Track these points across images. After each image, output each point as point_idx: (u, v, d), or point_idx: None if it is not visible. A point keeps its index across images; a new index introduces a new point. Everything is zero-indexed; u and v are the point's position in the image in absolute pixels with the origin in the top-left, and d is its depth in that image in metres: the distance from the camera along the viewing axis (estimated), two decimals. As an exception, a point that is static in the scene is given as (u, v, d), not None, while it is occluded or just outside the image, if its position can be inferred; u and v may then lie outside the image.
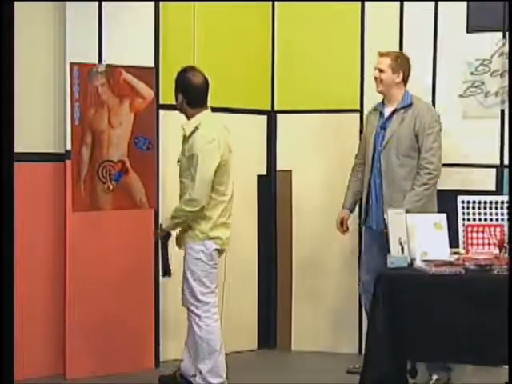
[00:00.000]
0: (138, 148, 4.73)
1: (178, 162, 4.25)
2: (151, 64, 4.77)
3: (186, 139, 4.20)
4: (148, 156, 4.77)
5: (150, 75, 4.75)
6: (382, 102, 4.55)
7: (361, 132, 5.12)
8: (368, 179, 4.51)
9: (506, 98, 4.83)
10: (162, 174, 4.88)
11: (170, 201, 4.91)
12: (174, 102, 4.23)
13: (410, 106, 4.42)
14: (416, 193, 4.31)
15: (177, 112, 4.88)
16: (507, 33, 4.78)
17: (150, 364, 4.82)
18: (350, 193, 4.69)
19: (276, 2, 5.24)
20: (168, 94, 4.84)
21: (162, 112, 4.85)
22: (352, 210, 4.72)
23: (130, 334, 4.77)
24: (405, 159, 4.38)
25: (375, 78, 4.50)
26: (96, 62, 4.59)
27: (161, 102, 4.84)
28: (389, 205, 4.22)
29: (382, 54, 4.51)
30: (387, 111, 4.50)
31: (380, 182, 4.45)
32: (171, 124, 4.89)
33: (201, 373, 4.16)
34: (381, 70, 4.47)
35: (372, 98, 5.09)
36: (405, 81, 4.48)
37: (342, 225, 4.67)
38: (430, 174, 4.34)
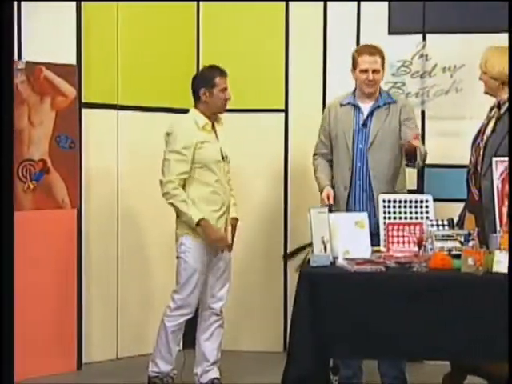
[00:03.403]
0: (59, 147, 4.67)
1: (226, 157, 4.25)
2: (73, 62, 4.69)
3: None
4: (70, 155, 4.71)
5: (72, 73, 4.68)
6: (353, 95, 4.26)
7: (286, 131, 5.18)
8: (348, 181, 4.21)
9: (426, 99, 4.95)
10: (85, 173, 4.82)
11: (93, 200, 4.86)
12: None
13: (394, 102, 4.22)
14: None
15: (100, 110, 4.86)
16: (427, 35, 4.92)
17: (72, 366, 4.75)
18: (325, 175, 4.31)
19: (201, 2, 5.23)
20: (91, 93, 4.80)
21: (84, 111, 4.79)
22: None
23: (51, 336, 4.69)
24: (392, 158, 4.19)
25: (369, 81, 4.17)
26: (15, 59, 4.49)
27: (83, 100, 4.78)
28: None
29: (371, 53, 4.19)
30: (365, 107, 4.23)
31: (362, 184, 4.20)
32: (94, 123, 4.84)
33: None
34: (376, 71, 4.18)
35: (297, 97, 5.17)
36: None
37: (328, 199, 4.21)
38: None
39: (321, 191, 4.32)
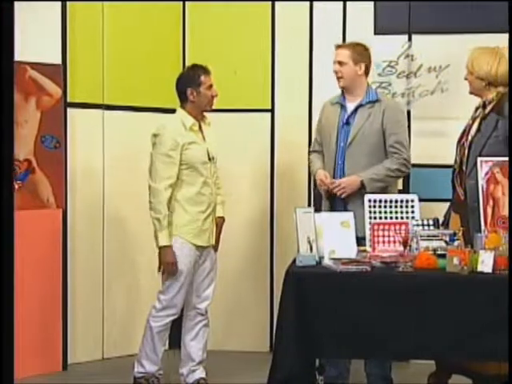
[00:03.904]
0: (45, 147, 4.65)
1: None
2: (59, 61, 4.68)
3: None
4: (56, 155, 4.69)
5: (58, 73, 4.67)
6: (342, 94, 4.27)
7: (273, 131, 5.18)
8: (331, 179, 4.21)
9: (412, 99, 4.96)
10: (71, 173, 4.80)
11: (79, 200, 4.85)
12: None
13: (376, 101, 4.20)
14: (378, 171, 4.13)
15: (85, 110, 4.85)
16: (413, 35, 4.93)
17: (58, 367, 4.73)
18: (320, 163, 4.32)
19: (187, 2, 5.22)
20: (76, 92, 4.79)
21: (70, 110, 4.78)
22: None
23: (36, 336, 4.66)
24: (371, 158, 4.16)
25: (335, 73, 4.21)
26: None
27: (69, 100, 4.76)
28: (352, 207, 4.02)
29: (340, 46, 4.25)
30: (350, 106, 4.23)
31: None
32: (80, 122, 4.83)
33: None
34: (341, 63, 4.19)
35: (283, 97, 5.17)
36: (367, 73, 4.25)
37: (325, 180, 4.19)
38: (405, 161, 4.17)
39: (314, 176, 4.33)
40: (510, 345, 3.17)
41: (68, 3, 4.72)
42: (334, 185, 4.17)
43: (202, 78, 4.19)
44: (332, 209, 4.21)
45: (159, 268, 4.16)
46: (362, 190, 4.12)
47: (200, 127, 4.24)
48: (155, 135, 4.15)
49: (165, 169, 4.10)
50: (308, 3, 5.09)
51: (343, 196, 4.17)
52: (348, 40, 4.89)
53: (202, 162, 4.17)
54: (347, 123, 4.23)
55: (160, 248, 4.13)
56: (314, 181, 4.34)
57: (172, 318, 4.24)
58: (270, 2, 5.14)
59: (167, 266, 4.13)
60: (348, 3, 5.03)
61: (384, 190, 4.15)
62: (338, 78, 4.24)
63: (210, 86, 4.21)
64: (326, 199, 4.27)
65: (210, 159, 4.21)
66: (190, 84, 4.18)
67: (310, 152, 4.51)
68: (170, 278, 4.15)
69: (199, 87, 4.18)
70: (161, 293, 4.21)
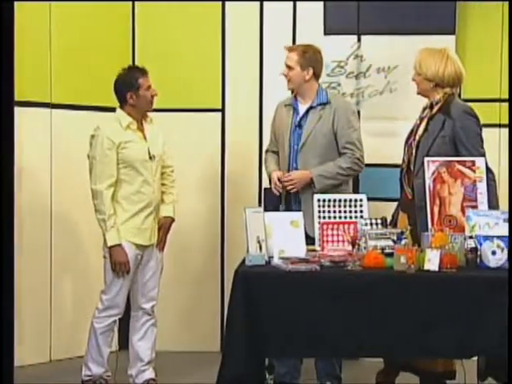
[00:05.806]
0: (-10, 146, 4.57)
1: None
2: (5, 59, 4.61)
3: None
4: (2, 154, 4.62)
5: (4, 71, 4.59)
6: (295, 96, 4.30)
7: (223, 131, 5.18)
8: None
9: (361, 99, 5.01)
10: (18, 172, 4.70)
11: (26, 201, 4.78)
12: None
13: (327, 103, 4.22)
14: (329, 168, 4.17)
15: (33, 109, 4.78)
16: (362, 36, 4.98)
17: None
18: (274, 162, 4.36)
19: (136, 2, 5.19)
20: (23, 91, 4.71)
21: (17, 109, 4.66)
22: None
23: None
24: (324, 160, 4.19)
25: (284, 76, 4.26)
26: None
27: (15, 98, 4.67)
28: (306, 210, 3.98)
29: (289, 49, 4.26)
30: (302, 108, 4.26)
31: None
32: (27, 121, 4.76)
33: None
34: (289, 67, 4.22)
35: (233, 97, 5.17)
36: (316, 76, 4.27)
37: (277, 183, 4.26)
38: (357, 160, 4.20)
39: (269, 177, 4.37)
40: (509, 345, 3.18)
41: (15, 3, 4.65)
42: (286, 178, 4.20)
43: (140, 80, 4.17)
44: (288, 209, 4.23)
45: (112, 267, 4.13)
46: (311, 185, 4.14)
47: (141, 125, 4.21)
48: (92, 136, 4.16)
49: (104, 169, 4.09)
50: (258, 3, 5.11)
51: (293, 191, 4.20)
52: (298, 40, 4.93)
53: (140, 160, 4.15)
54: (299, 126, 4.26)
55: (110, 248, 4.10)
56: (269, 181, 4.36)
57: (114, 319, 4.21)
58: (220, 2, 5.13)
59: (119, 266, 4.11)
60: (298, 3, 5.06)
61: (336, 189, 4.17)
62: (287, 81, 4.27)
63: (149, 87, 4.19)
64: (283, 200, 4.28)
65: (150, 158, 4.18)
66: (129, 88, 4.16)
67: (266, 151, 4.52)
68: (119, 276, 4.13)
69: (138, 90, 4.16)
70: (103, 293, 4.20)
